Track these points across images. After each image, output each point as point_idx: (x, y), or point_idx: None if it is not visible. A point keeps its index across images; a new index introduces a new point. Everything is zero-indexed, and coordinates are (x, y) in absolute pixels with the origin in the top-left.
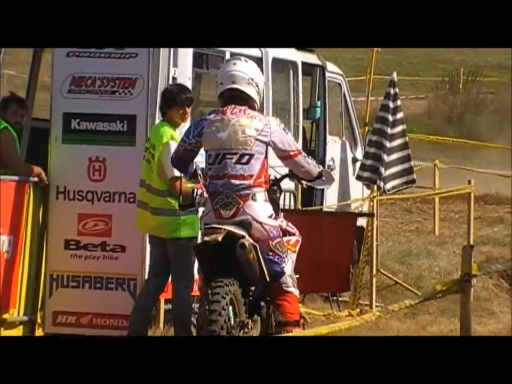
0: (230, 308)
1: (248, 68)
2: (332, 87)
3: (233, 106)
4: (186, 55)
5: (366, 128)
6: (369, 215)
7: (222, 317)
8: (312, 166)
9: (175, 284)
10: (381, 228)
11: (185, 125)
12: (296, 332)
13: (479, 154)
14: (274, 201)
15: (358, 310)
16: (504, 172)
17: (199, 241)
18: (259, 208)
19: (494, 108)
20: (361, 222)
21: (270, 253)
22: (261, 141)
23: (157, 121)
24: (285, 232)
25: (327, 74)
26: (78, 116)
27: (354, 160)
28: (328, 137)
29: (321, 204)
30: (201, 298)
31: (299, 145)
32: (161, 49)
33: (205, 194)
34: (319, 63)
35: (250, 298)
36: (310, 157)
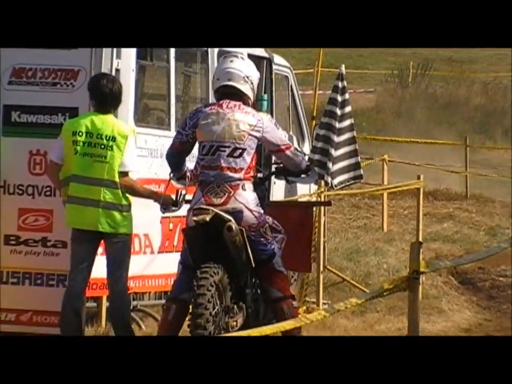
0: (216, 293)
1: (244, 66)
2: (279, 80)
3: (228, 101)
4: None
5: (314, 122)
6: (326, 203)
7: (209, 292)
8: (301, 159)
9: (114, 282)
10: (328, 224)
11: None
12: (295, 305)
13: (429, 150)
14: (261, 199)
15: (304, 307)
16: (454, 167)
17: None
18: (249, 196)
19: (443, 101)
20: None
21: (261, 238)
22: (254, 136)
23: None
24: (271, 230)
25: (274, 67)
26: (19, 108)
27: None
28: None
29: (268, 198)
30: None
31: None
32: None
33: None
34: (266, 55)
35: (236, 286)
36: (299, 150)
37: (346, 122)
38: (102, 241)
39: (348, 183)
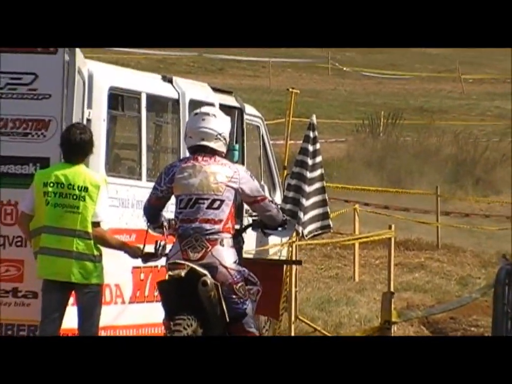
0: None
1: (216, 124)
2: (250, 129)
3: (203, 154)
4: (101, 96)
5: (285, 172)
6: (296, 262)
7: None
8: (278, 211)
9: (85, 332)
10: (300, 273)
11: None
12: None
13: (400, 199)
14: (238, 250)
15: None
16: (425, 217)
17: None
18: (226, 253)
19: (414, 151)
20: None
21: (234, 296)
22: (231, 187)
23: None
24: (246, 282)
25: (245, 116)
26: None
27: None
28: None
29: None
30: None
31: None
32: (76, 90)
33: (167, 247)
34: (237, 105)
35: None
36: (275, 202)
37: (317, 172)
38: (73, 292)
39: (316, 233)
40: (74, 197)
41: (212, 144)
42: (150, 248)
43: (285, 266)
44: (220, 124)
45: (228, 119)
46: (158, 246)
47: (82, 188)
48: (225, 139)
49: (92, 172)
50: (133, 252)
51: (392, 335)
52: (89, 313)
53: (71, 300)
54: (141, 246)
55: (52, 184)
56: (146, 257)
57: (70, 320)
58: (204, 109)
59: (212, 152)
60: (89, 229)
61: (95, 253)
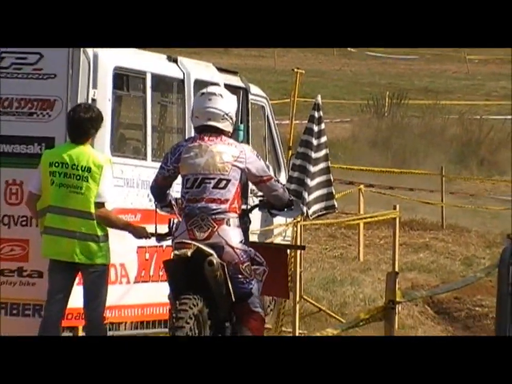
0: (195, 322)
1: (223, 104)
2: (255, 110)
3: (209, 133)
4: (106, 76)
5: (290, 152)
6: (300, 247)
7: (188, 324)
8: (284, 191)
9: (90, 312)
10: (304, 254)
11: None
12: None
13: (405, 180)
14: (245, 231)
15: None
16: (430, 197)
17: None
18: (232, 233)
19: (419, 131)
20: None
21: (240, 276)
22: (237, 167)
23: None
24: (252, 262)
25: (250, 96)
26: None
27: None
28: None
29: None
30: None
31: None
32: (81, 69)
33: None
34: (242, 85)
35: (216, 319)
36: (281, 183)
37: (322, 152)
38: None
39: (320, 213)
40: (78, 177)
41: (218, 124)
42: (161, 228)
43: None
44: (227, 104)
45: (235, 98)
46: (171, 225)
47: (86, 168)
48: (231, 119)
49: (96, 152)
50: (138, 232)
51: (396, 314)
52: (94, 293)
53: (77, 279)
54: (145, 226)
55: (57, 164)
56: (160, 237)
57: (76, 300)
58: (211, 88)
59: (218, 132)
60: (92, 210)
61: (99, 233)
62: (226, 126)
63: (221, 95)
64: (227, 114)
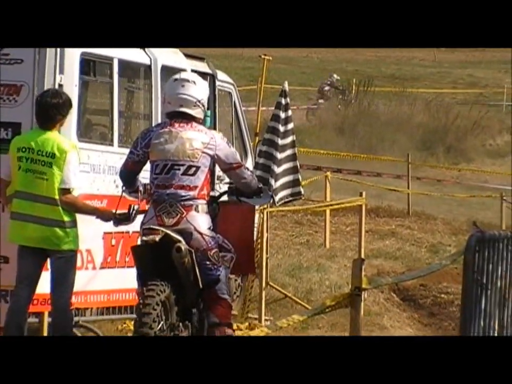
0: (162, 309)
1: (195, 90)
2: (222, 96)
3: (180, 119)
4: (73, 61)
5: (257, 139)
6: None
7: (155, 310)
8: (253, 179)
9: (57, 297)
10: (271, 240)
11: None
12: (229, 333)
13: (371, 166)
14: (213, 217)
15: (246, 323)
16: (396, 183)
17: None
18: (201, 219)
19: (386, 118)
20: None
21: (208, 262)
22: (207, 154)
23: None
24: (220, 248)
25: (217, 83)
26: None
27: None
28: None
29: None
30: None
31: None
32: (47, 55)
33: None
34: (209, 71)
35: (183, 305)
36: (250, 170)
37: (289, 139)
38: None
39: (287, 200)
40: (43, 163)
41: (190, 111)
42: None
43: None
44: (199, 91)
45: (207, 85)
46: (131, 210)
47: (50, 154)
48: (203, 106)
49: (62, 138)
50: (106, 216)
51: (362, 301)
52: (61, 279)
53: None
54: (113, 211)
55: (24, 150)
56: (119, 219)
57: (42, 286)
58: (184, 75)
59: (189, 119)
60: (57, 196)
61: (65, 219)
62: (198, 113)
63: (194, 82)
64: (199, 101)
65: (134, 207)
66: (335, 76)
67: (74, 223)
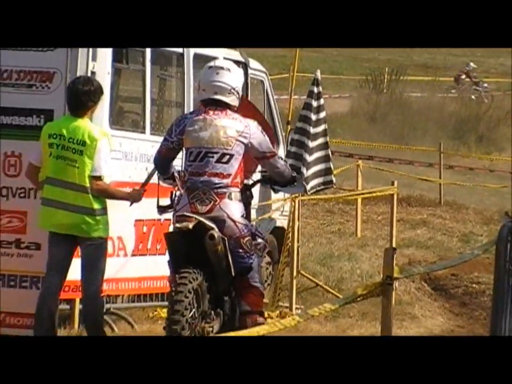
0: (194, 296)
1: (230, 78)
2: (254, 84)
3: (215, 107)
4: (105, 49)
5: (289, 127)
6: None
7: (187, 298)
8: (286, 168)
9: (88, 285)
10: (302, 228)
11: None
12: (260, 321)
13: (403, 155)
14: (246, 205)
15: (277, 312)
16: (428, 172)
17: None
18: (234, 206)
19: (418, 107)
20: (282, 222)
21: (240, 250)
22: (241, 142)
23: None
24: (253, 236)
25: (249, 71)
26: None
27: None
28: None
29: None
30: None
31: None
32: None
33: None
34: (242, 59)
35: (215, 293)
36: (284, 159)
37: (321, 128)
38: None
39: (318, 188)
40: (74, 151)
41: (225, 98)
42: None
43: None
44: (234, 78)
45: (241, 73)
46: (173, 197)
47: (80, 142)
48: (238, 93)
49: (93, 126)
50: (136, 196)
51: (394, 291)
52: (92, 266)
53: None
54: (145, 199)
55: (55, 136)
56: (162, 209)
57: (73, 273)
58: (218, 62)
59: (224, 106)
60: (87, 184)
61: (95, 206)
62: (233, 101)
63: (228, 69)
64: (234, 89)
65: (175, 193)
66: (471, 64)
67: (104, 211)
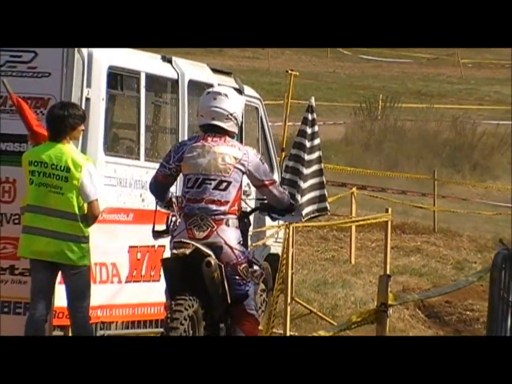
0: (190, 323)
1: (227, 104)
2: (249, 111)
3: (213, 134)
4: (100, 75)
5: (283, 154)
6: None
7: (182, 325)
8: (285, 196)
9: (75, 312)
10: (296, 255)
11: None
12: None
13: (397, 183)
14: (244, 233)
15: None
16: (422, 201)
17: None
18: (231, 233)
19: (412, 135)
20: (276, 249)
21: (237, 277)
22: (239, 169)
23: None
24: (250, 263)
25: (244, 98)
26: None
27: None
28: None
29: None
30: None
31: None
32: (75, 68)
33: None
34: (236, 86)
35: (210, 320)
36: (283, 187)
37: (315, 155)
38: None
39: (313, 215)
40: (58, 177)
41: (222, 124)
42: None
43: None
44: (232, 104)
45: (241, 99)
46: (169, 222)
47: (65, 169)
48: (236, 119)
49: (76, 152)
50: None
51: (388, 318)
52: (78, 293)
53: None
54: (140, 226)
55: (36, 163)
56: (158, 234)
57: (61, 299)
58: (217, 88)
59: (223, 133)
60: (75, 210)
61: (81, 234)
62: (231, 126)
63: (226, 95)
64: (231, 115)
65: (172, 218)
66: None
67: (88, 239)
